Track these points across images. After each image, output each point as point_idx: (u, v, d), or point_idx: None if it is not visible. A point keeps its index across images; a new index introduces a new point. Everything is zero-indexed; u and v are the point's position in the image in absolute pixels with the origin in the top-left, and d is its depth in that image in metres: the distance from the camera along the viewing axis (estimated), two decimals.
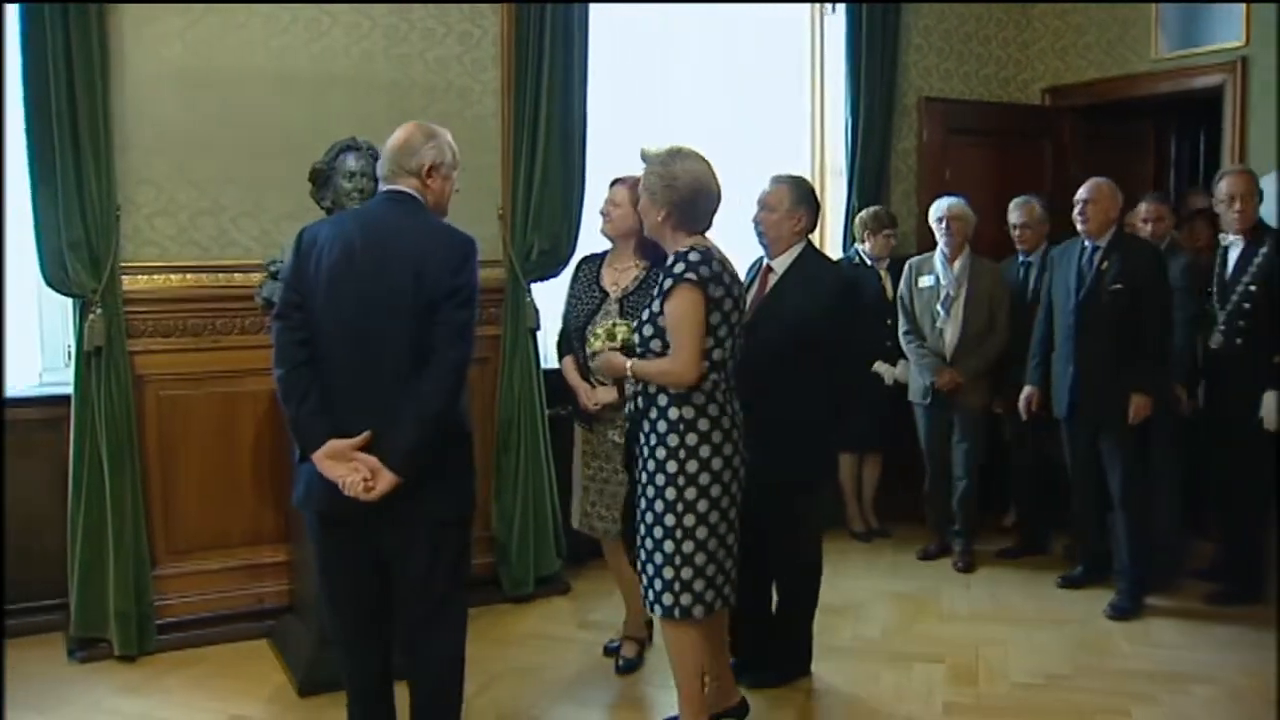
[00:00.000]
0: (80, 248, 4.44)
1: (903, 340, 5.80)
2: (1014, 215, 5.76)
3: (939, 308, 5.67)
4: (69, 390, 4.56)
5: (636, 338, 3.54)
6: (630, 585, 4.47)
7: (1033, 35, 7.08)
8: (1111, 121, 7.06)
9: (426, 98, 5.13)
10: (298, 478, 3.25)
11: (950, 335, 5.65)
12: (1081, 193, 5.10)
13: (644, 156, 3.52)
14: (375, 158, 4.26)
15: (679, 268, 3.36)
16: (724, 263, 3.44)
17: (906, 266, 5.86)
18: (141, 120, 4.65)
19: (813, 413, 3.92)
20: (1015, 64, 7.05)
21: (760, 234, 4.19)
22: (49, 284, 4.47)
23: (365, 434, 3.07)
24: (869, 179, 6.29)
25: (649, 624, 4.51)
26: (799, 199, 4.12)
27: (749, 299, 4.12)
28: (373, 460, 3.06)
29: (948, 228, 5.64)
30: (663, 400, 3.44)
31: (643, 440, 3.52)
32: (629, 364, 3.53)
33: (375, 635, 3.35)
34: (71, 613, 4.58)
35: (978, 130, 6.78)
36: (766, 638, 4.32)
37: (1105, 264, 5.04)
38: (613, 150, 5.43)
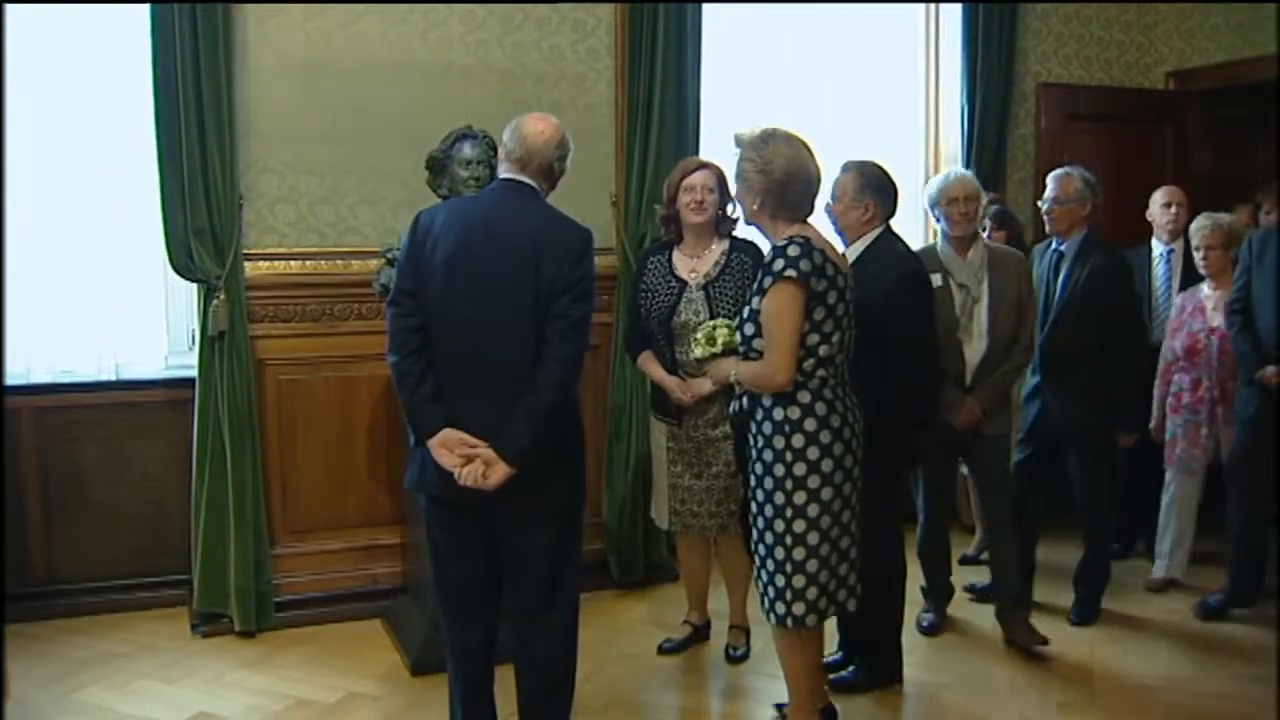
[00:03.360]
0: (205, 235, 4.56)
1: None
2: (1049, 188, 4.83)
3: (958, 314, 4.49)
4: (193, 373, 4.70)
5: (738, 337, 3.43)
6: (735, 577, 4.46)
7: (1156, 17, 6.85)
8: (1240, 106, 6.78)
9: (540, 85, 5.16)
10: (411, 460, 3.29)
11: (972, 350, 4.49)
12: None
13: (738, 141, 3.40)
14: (491, 146, 4.31)
15: (778, 264, 3.23)
16: (825, 252, 3.30)
17: None
18: (263, 110, 4.76)
19: (874, 408, 3.69)
20: (1138, 47, 6.83)
21: (834, 222, 4.04)
22: (175, 270, 4.60)
23: (478, 435, 3.11)
24: (985, 167, 6.14)
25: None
26: (863, 186, 3.95)
27: None
28: (488, 452, 3.08)
29: (963, 210, 4.47)
30: (767, 401, 3.34)
31: (751, 442, 3.43)
32: (733, 370, 3.42)
33: (482, 618, 3.37)
34: (194, 589, 4.72)
35: (1098, 116, 6.58)
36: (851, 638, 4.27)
37: None
38: (726, 138, 5.39)
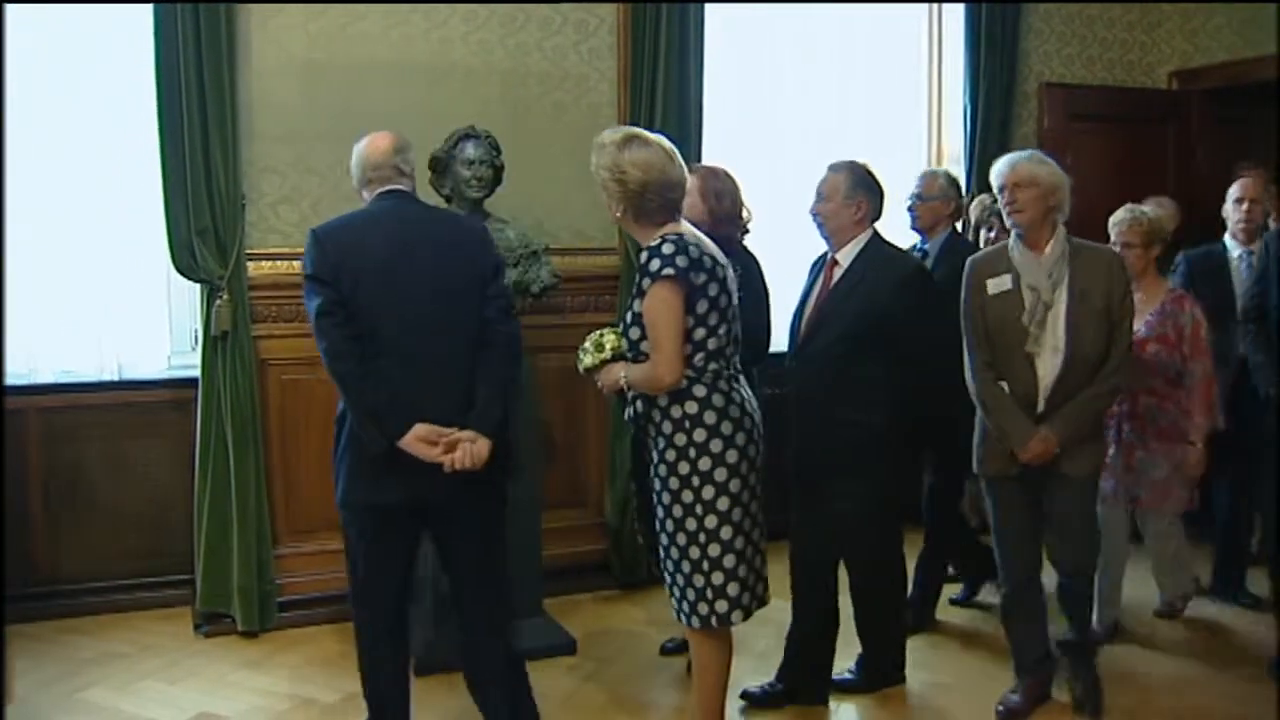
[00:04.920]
0: (208, 235, 4.57)
1: (972, 380, 3.88)
2: (914, 185, 4.79)
3: (1026, 323, 3.74)
4: (196, 374, 4.71)
5: (625, 343, 3.37)
6: None
7: (1159, 16, 6.84)
8: (1244, 106, 6.77)
9: (542, 86, 5.17)
10: (351, 475, 3.25)
11: (1045, 367, 3.74)
12: None
13: (597, 146, 3.32)
14: (494, 146, 4.36)
15: (654, 264, 3.18)
16: (700, 245, 3.27)
17: (968, 267, 3.97)
18: (266, 111, 4.76)
19: (880, 412, 3.73)
20: (1140, 47, 6.81)
21: (820, 226, 3.97)
22: (179, 271, 4.62)
23: (454, 427, 3.18)
24: (988, 167, 6.08)
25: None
26: (855, 184, 3.88)
27: (813, 295, 3.99)
28: (469, 433, 3.16)
29: (1010, 199, 3.79)
30: (663, 401, 3.29)
31: (650, 445, 3.40)
32: (622, 376, 3.35)
33: (404, 631, 3.48)
34: (197, 589, 4.73)
35: (1100, 116, 6.57)
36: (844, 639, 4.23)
37: None
38: (729, 139, 5.41)
